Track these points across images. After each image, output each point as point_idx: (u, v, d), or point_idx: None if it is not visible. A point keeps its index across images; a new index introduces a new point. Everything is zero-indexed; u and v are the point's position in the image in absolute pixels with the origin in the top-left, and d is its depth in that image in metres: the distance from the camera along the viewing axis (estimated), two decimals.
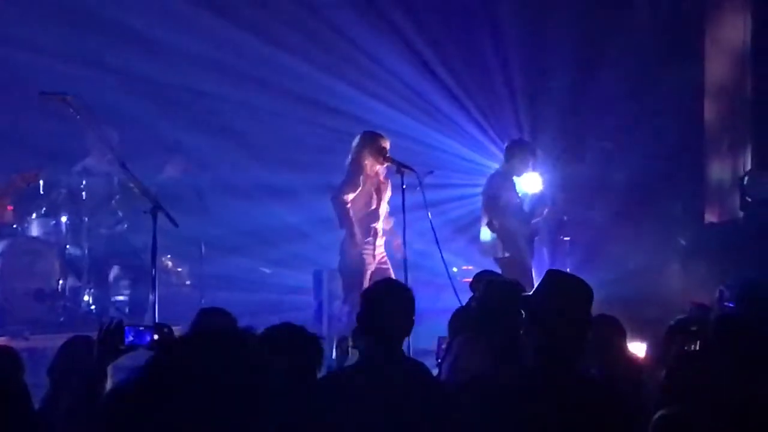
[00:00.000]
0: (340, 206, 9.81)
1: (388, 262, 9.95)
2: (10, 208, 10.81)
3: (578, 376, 4.52)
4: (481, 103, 13.68)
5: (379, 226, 9.97)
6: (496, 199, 10.86)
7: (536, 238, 11.23)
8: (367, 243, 9.86)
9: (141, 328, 4.94)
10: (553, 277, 4.74)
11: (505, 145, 11.34)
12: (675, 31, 13.12)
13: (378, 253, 9.96)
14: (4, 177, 10.67)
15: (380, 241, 10.00)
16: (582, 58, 13.20)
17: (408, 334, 5.09)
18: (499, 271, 9.79)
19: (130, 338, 4.85)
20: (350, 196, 9.77)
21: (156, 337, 4.92)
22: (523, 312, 4.67)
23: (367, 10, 13.08)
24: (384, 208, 9.96)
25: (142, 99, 12.42)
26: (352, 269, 9.81)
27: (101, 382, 4.73)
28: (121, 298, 11.57)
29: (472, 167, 13.04)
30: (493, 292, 5.83)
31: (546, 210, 11.22)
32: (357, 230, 9.76)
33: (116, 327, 4.86)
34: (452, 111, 13.63)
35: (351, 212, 9.81)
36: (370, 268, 9.83)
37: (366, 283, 9.61)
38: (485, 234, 10.95)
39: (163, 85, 12.66)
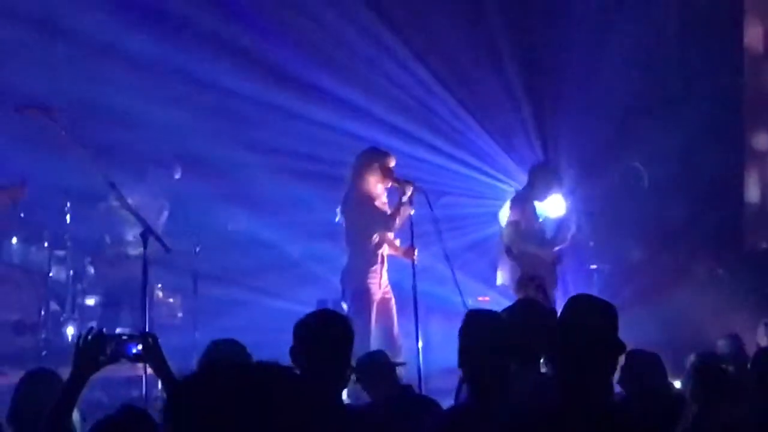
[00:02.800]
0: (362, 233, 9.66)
1: (390, 291, 9.73)
2: None
3: (605, 413, 4.35)
4: (496, 120, 13.52)
5: (386, 252, 9.78)
6: (517, 225, 10.75)
7: (559, 267, 11.08)
8: (374, 271, 9.67)
9: (124, 337, 4.83)
10: (574, 302, 4.65)
11: (529, 168, 11.25)
12: (707, 39, 12.92)
13: (383, 282, 9.74)
14: None
15: (385, 269, 9.80)
16: (599, 69, 13.03)
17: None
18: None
19: (113, 348, 4.73)
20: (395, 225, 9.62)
21: (140, 347, 4.82)
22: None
23: (372, 19, 12.97)
24: (391, 234, 9.77)
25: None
26: (359, 298, 9.59)
27: (69, 406, 4.57)
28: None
29: (487, 189, 12.89)
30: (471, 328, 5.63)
31: (570, 235, 11.12)
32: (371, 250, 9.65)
33: (96, 336, 4.73)
34: (465, 129, 13.44)
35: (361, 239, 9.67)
36: (376, 298, 9.63)
37: (373, 313, 9.52)
38: (501, 275, 10.90)
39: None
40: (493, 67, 13.47)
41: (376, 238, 9.64)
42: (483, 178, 13.14)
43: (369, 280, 9.63)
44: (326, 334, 4.84)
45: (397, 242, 9.78)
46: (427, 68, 13.31)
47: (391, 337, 9.15)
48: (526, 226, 10.76)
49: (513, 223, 10.75)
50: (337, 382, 4.82)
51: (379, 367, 6.53)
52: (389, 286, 9.77)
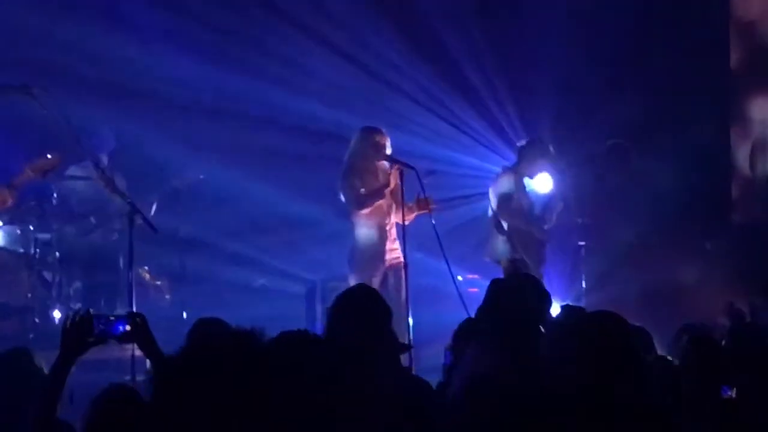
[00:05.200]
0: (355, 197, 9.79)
1: (402, 263, 9.67)
2: (9, 203, 10.06)
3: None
4: (488, 97, 13.48)
5: (391, 227, 9.87)
6: (507, 199, 10.75)
7: (548, 245, 11.11)
8: (374, 244, 9.81)
9: (111, 318, 4.84)
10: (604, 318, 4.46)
11: (519, 144, 11.24)
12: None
13: (390, 258, 9.82)
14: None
15: (393, 245, 9.88)
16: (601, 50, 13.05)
17: None
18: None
19: (100, 328, 4.75)
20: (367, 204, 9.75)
21: (128, 327, 4.83)
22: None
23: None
24: (394, 208, 9.84)
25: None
26: (359, 271, 9.70)
27: (58, 388, 4.57)
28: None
29: (477, 167, 12.84)
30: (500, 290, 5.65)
31: (556, 214, 11.16)
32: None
33: (83, 317, 4.74)
34: (457, 106, 13.42)
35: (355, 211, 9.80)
36: (378, 271, 9.72)
37: (375, 287, 9.49)
38: (491, 251, 10.87)
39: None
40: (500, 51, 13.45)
41: (370, 208, 9.77)
42: (468, 157, 13.13)
43: (369, 253, 9.78)
44: (366, 311, 5.07)
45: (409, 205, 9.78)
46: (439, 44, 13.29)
47: (398, 310, 9.07)
48: (517, 200, 10.77)
49: (505, 196, 10.74)
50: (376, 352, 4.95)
51: None
52: (401, 256, 9.74)
